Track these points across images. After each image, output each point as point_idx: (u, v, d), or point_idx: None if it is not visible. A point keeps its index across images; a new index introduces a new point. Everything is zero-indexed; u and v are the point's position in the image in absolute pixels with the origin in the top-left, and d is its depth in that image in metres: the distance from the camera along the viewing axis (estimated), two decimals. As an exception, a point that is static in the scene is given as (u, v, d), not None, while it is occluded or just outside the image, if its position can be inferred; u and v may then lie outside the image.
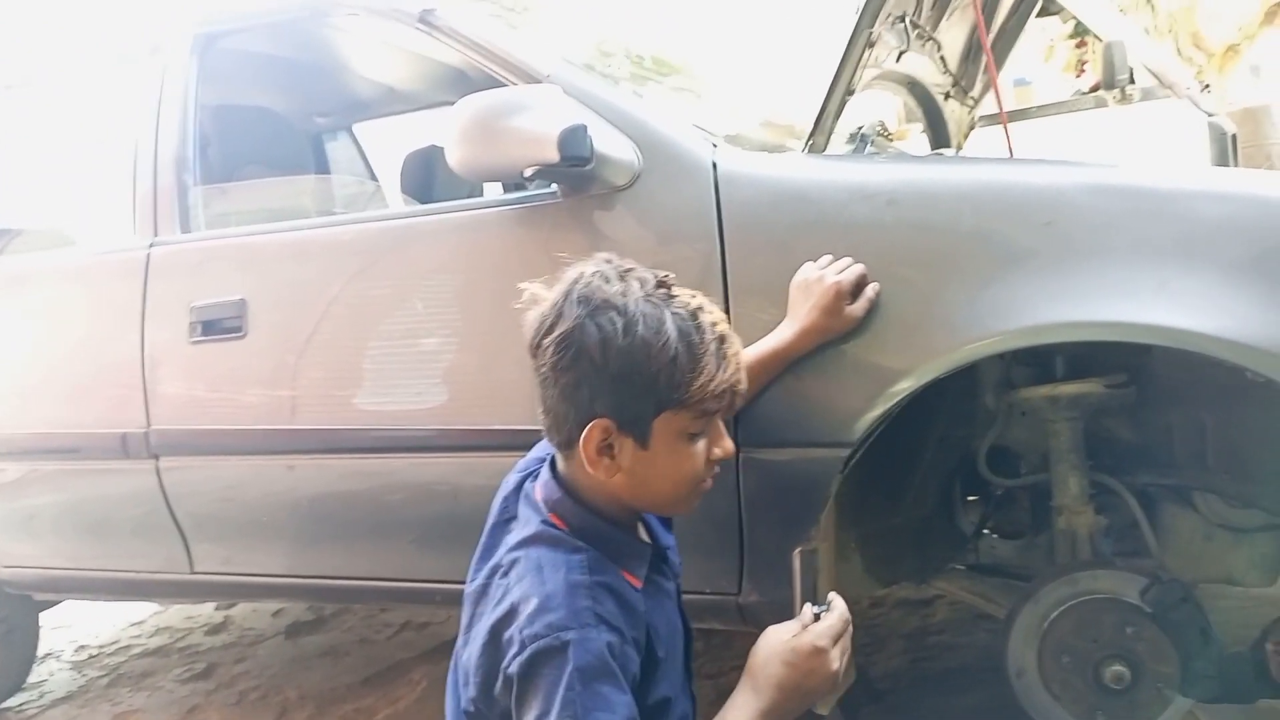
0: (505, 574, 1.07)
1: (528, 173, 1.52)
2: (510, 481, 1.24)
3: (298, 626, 2.82)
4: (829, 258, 1.37)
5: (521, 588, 1.04)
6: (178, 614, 3.09)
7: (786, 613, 1.41)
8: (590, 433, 1.04)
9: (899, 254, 1.39)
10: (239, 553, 1.98)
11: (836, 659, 1.09)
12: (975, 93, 2.65)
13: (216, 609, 3.05)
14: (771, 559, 1.44)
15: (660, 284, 1.08)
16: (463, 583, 1.71)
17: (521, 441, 1.59)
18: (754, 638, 1.13)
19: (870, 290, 1.35)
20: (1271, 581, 1.64)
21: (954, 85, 2.48)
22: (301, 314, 1.83)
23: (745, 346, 1.24)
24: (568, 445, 1.09)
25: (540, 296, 1.09)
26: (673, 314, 1.04)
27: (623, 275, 1.07)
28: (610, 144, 1.55)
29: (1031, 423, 1.61)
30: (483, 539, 1.20)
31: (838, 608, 1.14)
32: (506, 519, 1.18)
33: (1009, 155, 2.15)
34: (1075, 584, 1.45)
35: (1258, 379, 1.20)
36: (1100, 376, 1.47)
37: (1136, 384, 1.49)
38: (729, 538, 1.48)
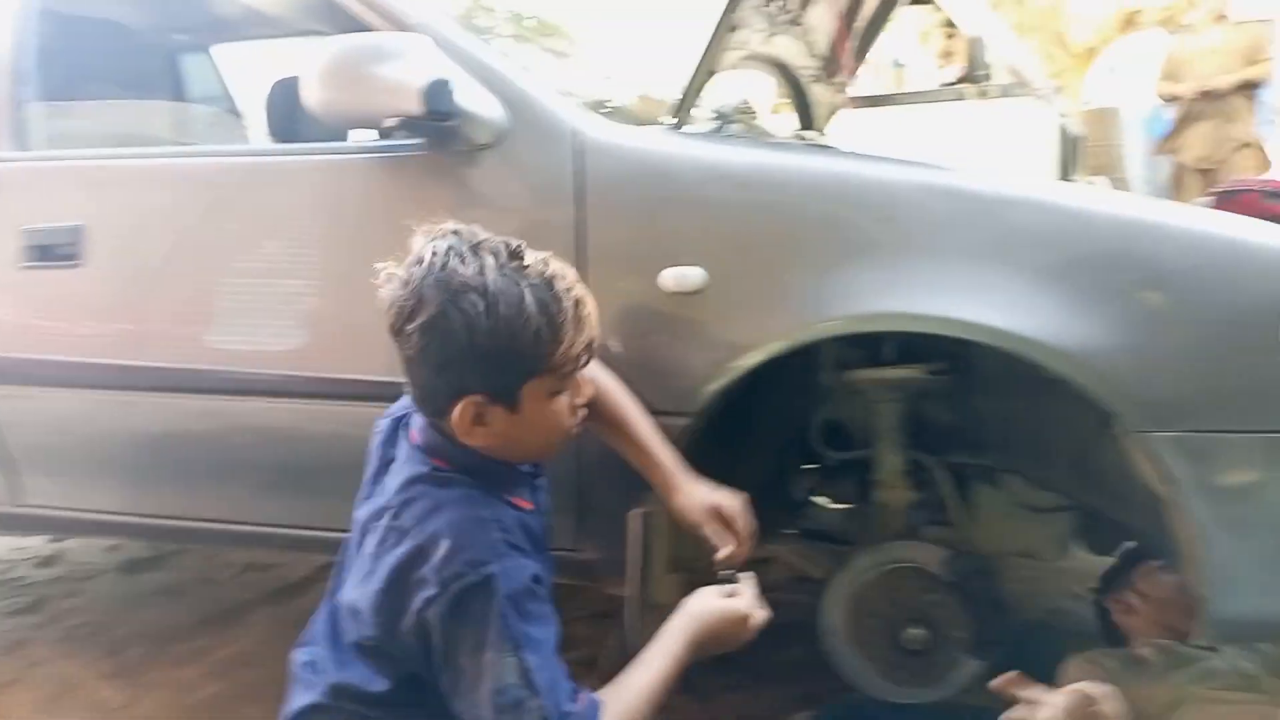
0: (397, 515, 1.10)
1: (389, 123, 1.51)
2: (383, 426, 1.26)
3: (134, 563, 2.74)
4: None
5: (425, 529, 1.07)
6: (4, 545, 2.94)
7: (621, 570, 1.49)
8: (463, 409, 1.08)
9: (748, 235, 1.45)
10: (73, 487, 1.91)
11: (754, 629, 1.22)
12: (841, 77, 2.73)
13: (48, 542, 2.92)
14: (609, 519, 1.49)
15: (512, 254, 1.09)
16: (305, 528, 1.74)
17: (374, 392, 1.59)
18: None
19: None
20: (1063, 556, 1.81)
21: (821, 69, 2.55)
22: (147, 246, 1.77)
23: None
24: (439, 415, 1.12)
25: (393, 274, 1.09)
26: (530, 286, 1.07)
27: (475, 250, 1.08)
28: (476, 101, 1.54)
29: (862, 401, 1.71)
30: (364, 486, 1.23)
31: (753, 589, 1.25)
32: (386, 463, 1.20)
33: (856, 142, 2.24)
34: (885, 552, 1.57)
35: (1054, 375, 1.32)
36: (923, 363, 1.58)
37: (955, 372, 1.60)
38: (568, 497, 1.52)
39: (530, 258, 1.10)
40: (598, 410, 1.32)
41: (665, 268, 1.45)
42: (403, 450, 1.19)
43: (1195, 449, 1.27)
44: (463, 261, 1.06)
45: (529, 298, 1.06)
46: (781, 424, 1.78)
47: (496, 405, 1.09)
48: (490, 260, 1.07)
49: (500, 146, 1.56)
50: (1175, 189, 5.42)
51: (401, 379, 1.59)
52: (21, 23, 1.93)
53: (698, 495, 1.35)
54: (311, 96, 1.49)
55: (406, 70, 1.46)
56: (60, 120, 2.03)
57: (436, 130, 1.54)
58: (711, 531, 1.32)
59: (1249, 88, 5.15)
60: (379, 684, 1.11)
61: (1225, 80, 5.09)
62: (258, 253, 1.70)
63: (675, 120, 1.61)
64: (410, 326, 1.06)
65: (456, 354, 1.05)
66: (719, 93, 2.30)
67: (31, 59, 1.95)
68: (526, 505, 1.19)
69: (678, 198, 1.49)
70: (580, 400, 1.18)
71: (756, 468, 1.80)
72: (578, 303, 1.11)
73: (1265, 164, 5.22)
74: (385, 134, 1.70)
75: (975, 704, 1.73)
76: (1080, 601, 2.04)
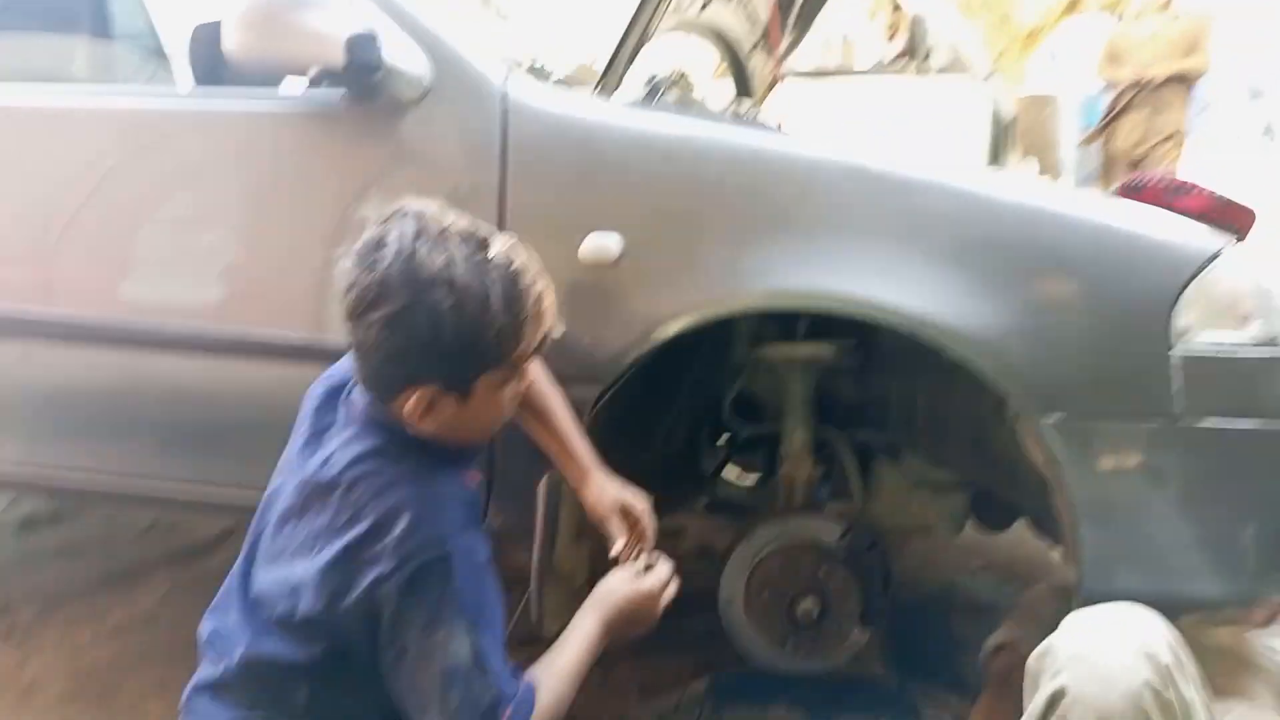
0: (349, 491, 1.07)
1: (311, 73, 1.48)
2: (318, 393, 1.22)
3: (32, 521, 2.64)
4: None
5: (381, 505, 1.05)
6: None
7: (530, 538, 1.50)
8: (416, 399, 1.07)
9: (668, 207, 1.46)
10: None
11: (664, 602, 1.24)
12: (781, 50, 2.74)
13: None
14: (518, 487, 1.50)
15: (480, 243, 1.07)
16: (209, 486, 1.71)
17: (289, 351, 1.59)
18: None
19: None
20: (959, 533, 1.88)
21: (761, 40, 2.56)
22: (55, 191, 1.72)
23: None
24: (387, 399, 1.10)
25: (354, 253, 1.05)
26: (496, 281, 1.05)
27: (443, 237, 1.04)
28: (402, 56, 1.52)
29: (775, 375, 1.74)
30: (294, 454, 1.19)
31: (667, 565, 1.27)
32: (319, 431, 1.17)
33: (795, 115, 2.26)
34: (784, 525, 1.61)
35: (954, 357, 1.37)
36: (834, 340, 1.61)
37: (864, 349, 1.64)
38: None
39: (495, 247, 1.07)
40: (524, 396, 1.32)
41: (584, 235, 1.45)
42: (341, 420, 1.16)
43: (1078, 434, 1.32)
44: (430, 251, 1.03)
45: (494, 294, 1.04)
46: (695, 396, 1.80)
47: (449, 395, 1.08)
48: (458, 250, 1.04)
49: (425, 103, 1.54)
50: (1105, 177, 5.51)
51: (319, 340, 1.59)
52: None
53: (609, 490, 1.38)
54: (231, 41, 1.45)
55: (331, 20, 1.43)
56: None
57: (360, 84, 1.51)
58: (615, 527, 1.35)
59: (1182, 80, 5.16)
60: (300, 655, 1.10)
61: (1158, 70, 5.11)
62: (172, 201, 1.66)
63: (604, 86, 1.60)
64: (373, 316, 1.03)
65: (418, 348, 1.03)
66: (657, 60, 2.29)
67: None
68: (474, 480, 1.19)
69: (601, 165, 1.49)
70: (524, 386, 1.19)
71: (668, 438, 1.82)
72: (539, 297, 1.10)
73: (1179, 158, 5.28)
74: (315, 84, 1.67)
75: (862, 674, 1.81)
76: (972, 578, 2.13)
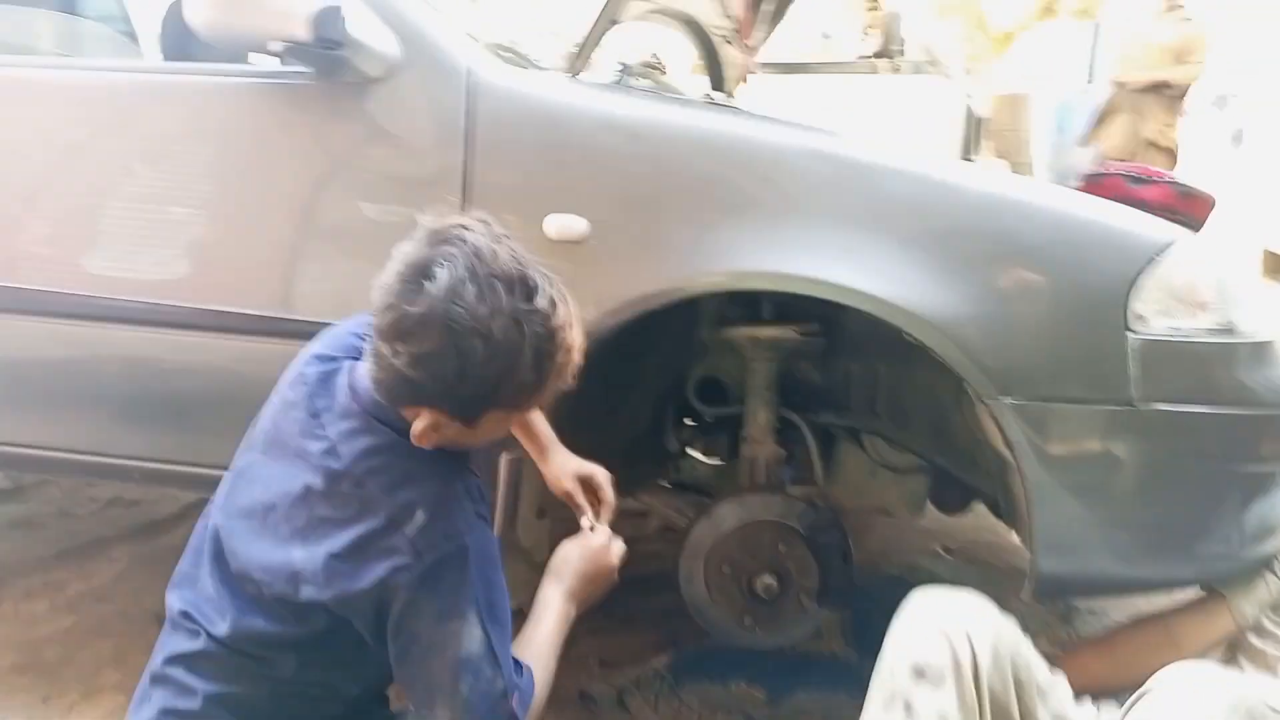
0: (361, 484, 1.07)
1: (274, 47, 1.47)
2: (310, 376, 1.17)
3: (-10, 494, 2.63)
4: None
5: (397, 499, 1.05)
6: None
7: (492, 515, 1.50)
8: (423, 420, 1.05)
9: (634, 188, 1.47)
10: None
11: (616, 555, 1.27)
12: (753, 42, 2.75)
13: (-106, 470, 2.79)
14: (479, 465, 1.49)
15: (526, 291, 1.02)
16: (173, 462, 1.70)
17: (252, 326, 1.58)
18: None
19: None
20: (919, 514, 1.90)
21: (734, 30, 2.57)
22: (21, 162, 1.70)
23: None
24: (394, 405, 1.08)
25: (397, 272, 1.02)
26: (532, 334, 1.02)
27: (491, 281, 1.00)
28: (368, 32, 1.51)
29: (739, 358, 1.75)
30: (288, 433, 1.15)
31: (605, 528, 1.30)
32: (315, 413, 1.14)
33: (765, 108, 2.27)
34: (745, 505, 1.62)
35: (913, 340, 1.38)
36: (798, 323, 1.63)
37: (827, 333, 1.65)
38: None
39: (541, 298, 1.03)
40: None
41: (550, 214, 1.45)
42: (341, 406, 1.12)
43: (1034, 416, 1.34)
44: (478, 296, 0.99)
45: (528, 351, 1.01)
46: (660, 377, 1.81)
47: (454, 421, 1.07)
48: (503, 301, 1.00)
49: (390, 81, 1.53)
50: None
51: (282, 314, 1.58)
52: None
53: (570, 464, 1.39)
54: (196, 14, 1.45)
55: (296, -6, 1.42)
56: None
57: (326, 59, 1.50)
58: (581, 498, 1.36)
59: (1167, 88, 5.06)
60: (291, 631, 1.10)
61: (1139, 78, 5.07)
62: (137, 175, 1.65)
63: (573, 68, 1.60)
64: (403, 346, 1.01)
65: (438, 385, 1.02)
66: (631, 45, 2.30)
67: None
68: (477, 471, 1.19)
69: (567, 145, 1.49)
70: (530, 412, 1.19)
71: (634, 419, 1.83)
72: (569, 351, 1.07)
73: (1172, 166, 5.12)
74: (284, 61, 1.66)
75: (822, 650, 1.83)
76: (933, 560, 2.15)
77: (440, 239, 1.03)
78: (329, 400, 1.14)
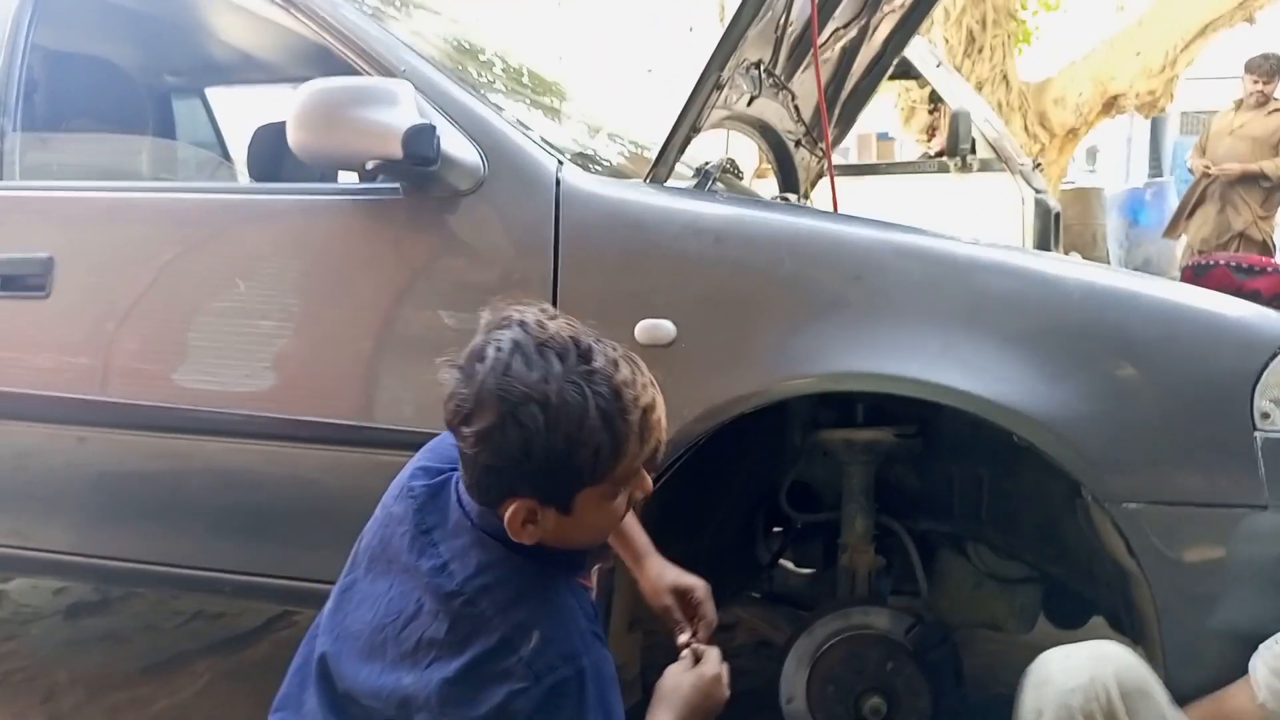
0: (473, 602, 1.04)
1: (369, 166, 1.51)
2: (417, 488, 1.16)
3: (79, 607, 2.65)
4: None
5: (510, 619, 1.02)
6: (-57, 585, 2.85)
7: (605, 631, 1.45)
8: (514, 510, 1.03)
9: (721, 291, 1.45)
10: (21, 524, 1.87)
11: (727, 687, 1.19)
12: (824, 145, 2.76)
13: (-7, 582, 2.84)
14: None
15: (581, 355, 1.01)
16: (257, 575, 1.69)
17: (341, 436, 1.58)
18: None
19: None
20: (1030, 629, 1.79)
21: (805, 134, 2.59)
22: (119, 281, 1.75)
23: None
24: (490, 506, 1.06)
25: (456, 364, 1.02)
26: (594, 394, 0.99)
27: (541, 350, 1.00)
28: (457, 147, 1.55)
29: (832, 463, 1.69)
30: (395, 549, 1.13)
31: (715, 651, 1.22)
32: (427, 529, 1.12)
33: (834, 208, 2.26)
34: (847, 618, 1.55)
35: (1022, 442, 1.32)
36: (894, 426, 1.57)
37: (925, 436, 1.59)
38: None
39: (600, 358, 1.01)
40: None
41: (639, 320, 1.44)
42: (453, 524, 1.10)
43: (1160, 522, 1.26)
44: (527, 365, 0.98)
45: (593, 411, 0.98)
46: (750, 484, 1.76)
47: (548, 508, 1.04)
48: (556, 366, 0.99)
49: (479, 193, 1.56)
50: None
51: (370, 424, 1.58)
52: (7, 55, 1.93)
53: (669, 575, 1.34)
54: (293, 137, 1.50)
55: (388, 114, 1.47)
56: (37, 151, 2.02)
57: (417, 175, 1.54)
58: (676, 613, 1.30)
59: (1264, 180, 4.97)
60: None
61: (1232, 169, 5.00)
62: (229, 291, 1.69)
63: (653, 174, 1.61)
64: (467, 429, 1.00)
65: (510, 465, 1.00)
66: (705, 151, 2.32)
67: (14, 91, 1.95)
68: (589, 583, 1.16)
69: (653, 250, 1.49)
70: (640, 496, 1.12)
71: (724, 527, 1.77)
72: (645, 411, 1.03)
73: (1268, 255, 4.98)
74: (367, 177, 1.70)
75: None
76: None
77: (493, 325, 1.03)
78: (440, 516, 1.11)
